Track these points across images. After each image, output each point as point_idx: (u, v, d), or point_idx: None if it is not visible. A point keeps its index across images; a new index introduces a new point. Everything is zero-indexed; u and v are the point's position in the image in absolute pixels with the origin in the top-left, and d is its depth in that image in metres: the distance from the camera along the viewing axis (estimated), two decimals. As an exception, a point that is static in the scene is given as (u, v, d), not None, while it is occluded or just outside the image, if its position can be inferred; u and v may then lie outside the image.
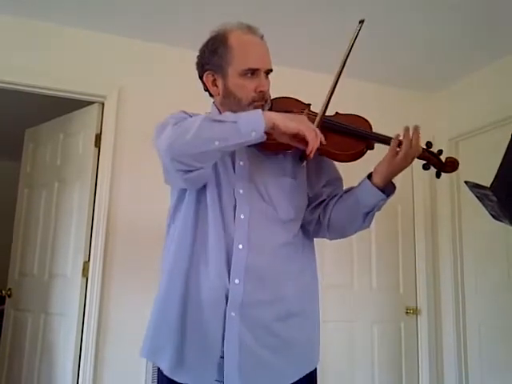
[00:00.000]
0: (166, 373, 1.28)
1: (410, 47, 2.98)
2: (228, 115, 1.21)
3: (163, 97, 2.94)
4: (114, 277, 2.76)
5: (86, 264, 2.76)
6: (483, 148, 3.11)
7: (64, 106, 3.07)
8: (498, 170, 1.52)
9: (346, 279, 3.25)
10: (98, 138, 2.90)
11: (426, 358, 3.30)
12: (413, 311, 3.35)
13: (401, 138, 1.28)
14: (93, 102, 2.94)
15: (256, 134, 1.14)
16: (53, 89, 2.83)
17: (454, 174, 1.38)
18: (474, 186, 1.50)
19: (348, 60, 1.34)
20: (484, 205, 1.57)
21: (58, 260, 2.98)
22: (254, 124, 1.14)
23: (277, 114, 1.19)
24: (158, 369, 1.33)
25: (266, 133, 1.16)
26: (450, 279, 3.30)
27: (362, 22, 1.34)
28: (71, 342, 2.70)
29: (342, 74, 1.33)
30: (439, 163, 1.35)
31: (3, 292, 3.24)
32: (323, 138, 1.21)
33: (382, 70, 3.27)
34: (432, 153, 1.35)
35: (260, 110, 1.18)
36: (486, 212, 1.62)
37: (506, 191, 1.48)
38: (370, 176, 1.34)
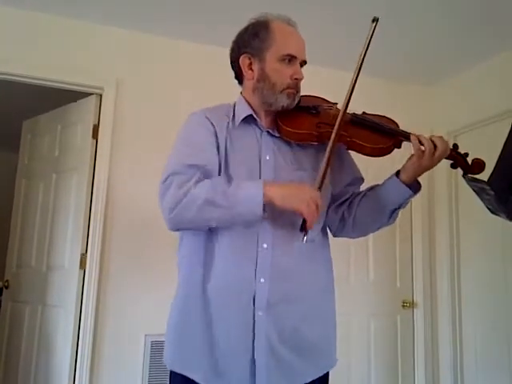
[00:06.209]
0: (201, 383, 1.25)
1: (409, 41, 2.97)
2: (232, 193, 1.20)
3: (161, 88, 2.93)
4: (111, 269, 2.76)
5: (83, 256, 2.76)
6: (481, 142, 3.10)
7: (62, 98, 3.06)
8: (496, 164, 1.53)
9: (342, 272, 3.25)
10: (96, 129, 2.89)
11: (421, 351, 3.31)
12: (409, 304, 3.36)
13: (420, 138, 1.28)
14: (91, 94, 2.93)
15: (253, 219, 1.22)
16: (50, 80, 2.82)
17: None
18: (471, 180, 1.50)
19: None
20: (481, 199, 1.57)
21: (55, 252, 2.98)
22: (251, 214, 1.20)
23: (276, 189, 1.21)
24: (172, 373, 1.31)
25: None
26: (446, 273, 3.31)
27: (376, 20, 1.39)
28: (69, 333, 2.70)
29: (358, 72, 1.34)
30: (465, 165, 1.36)
31: (1, 283, 3.25)
32: (320, 203, 1.21)
33: (380, 64, 3.25)
34: (459, 154, 1.36)
35: (262, 194, 1.18)
36: (484, 206, 1.62)
37: (503, 185, 1.48)
38: (397, 174, 1.34)
